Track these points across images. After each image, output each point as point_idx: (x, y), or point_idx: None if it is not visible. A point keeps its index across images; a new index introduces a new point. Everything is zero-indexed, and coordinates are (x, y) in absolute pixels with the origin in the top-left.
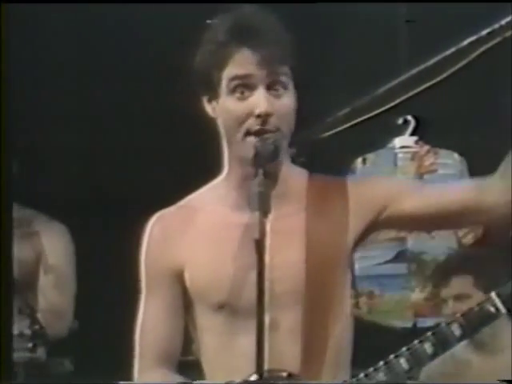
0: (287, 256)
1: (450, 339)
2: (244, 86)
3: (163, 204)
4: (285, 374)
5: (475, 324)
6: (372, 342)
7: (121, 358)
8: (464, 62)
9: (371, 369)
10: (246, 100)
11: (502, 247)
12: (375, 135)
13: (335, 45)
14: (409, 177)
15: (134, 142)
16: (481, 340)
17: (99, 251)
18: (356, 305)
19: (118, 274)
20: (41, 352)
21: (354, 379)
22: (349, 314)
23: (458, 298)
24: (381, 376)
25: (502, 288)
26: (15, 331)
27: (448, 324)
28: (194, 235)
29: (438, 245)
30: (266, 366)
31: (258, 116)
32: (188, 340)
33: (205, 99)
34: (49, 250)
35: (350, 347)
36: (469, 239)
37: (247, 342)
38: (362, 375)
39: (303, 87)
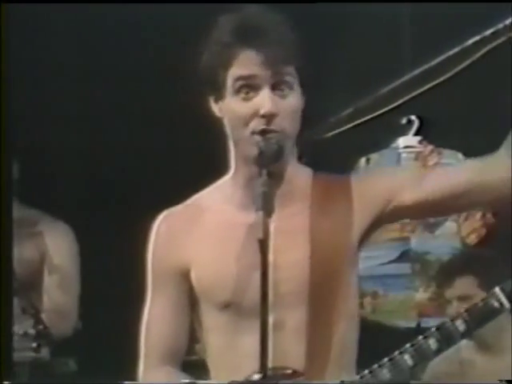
0: (292, 256)
1: (455, 335)
2: (249, 86)
3: (170, 203)
4: (289, 372)
5: (479, 319)
6: (376, 342)
7: (125, 357)
8: (468, 62)
9: (375, 365)
10: (250, 100)
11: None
12: (379, 135)
13: (338, 45)
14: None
15: (142, 141)
16: (485, 340)
17: (103, 251)
18: (360, 305)
19: (121, 274)
20: (45, 352)
21: (358, 376)
22: (355, 314)
23: (463, 298)
24: (385, 372)
25: (505, 283)
26: (19, 331)
27: (452, 320)
28: (201, 234)
29: (442, 244)
30: (270, 366)
31: (263, 116)
32: (192, 340)
33: (211, 99)
34: (53, 250)
35: (355, 347)
36: (472, 239)
37: (252, 341)
38: (366, 372)
39: (306, 87)
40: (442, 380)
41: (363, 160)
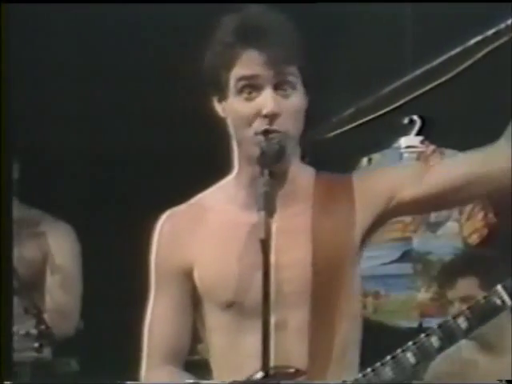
0: (295, 255)
1: (457, 332)
2: (251, 86)
3: (174, 203)
4: (291, 371)
5: (481, 317)
6: (378, 342)
7: (127, 357)
8: (470, 62)
9: (378, 363)
10: (253, 100)
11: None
12: (381, 135)
13: (340, 45)
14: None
15: (144, 141)
16: (486, 340)
17: (105, 251)
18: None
19: (123, 274)
20: (47, 352)
21: (361, 375)
22: (357, 313)
23: (464, 299)
24: (387, 370)
25: (507, 280)
26: (21, 331)
27: (454, 317)
28: (204, 234)
29: (444, 245)
30: (272, 365)
31: (265, 116)
32: (194, 339)
33: (215, 99)
34: (55, 250)
35: (357, 346)
36: (474, 239)
37: (255, 341)
38: (368, 370)
39: (309, 87)
40: (444, 380)
41: (365, 160)
